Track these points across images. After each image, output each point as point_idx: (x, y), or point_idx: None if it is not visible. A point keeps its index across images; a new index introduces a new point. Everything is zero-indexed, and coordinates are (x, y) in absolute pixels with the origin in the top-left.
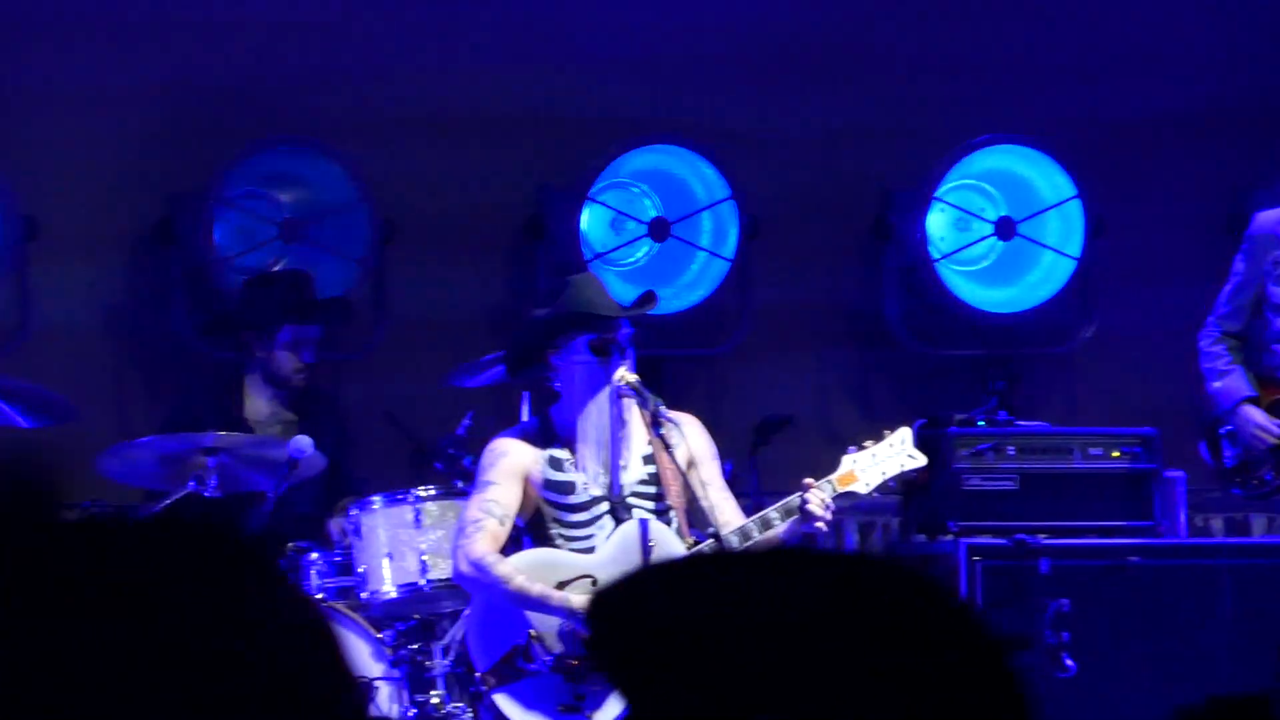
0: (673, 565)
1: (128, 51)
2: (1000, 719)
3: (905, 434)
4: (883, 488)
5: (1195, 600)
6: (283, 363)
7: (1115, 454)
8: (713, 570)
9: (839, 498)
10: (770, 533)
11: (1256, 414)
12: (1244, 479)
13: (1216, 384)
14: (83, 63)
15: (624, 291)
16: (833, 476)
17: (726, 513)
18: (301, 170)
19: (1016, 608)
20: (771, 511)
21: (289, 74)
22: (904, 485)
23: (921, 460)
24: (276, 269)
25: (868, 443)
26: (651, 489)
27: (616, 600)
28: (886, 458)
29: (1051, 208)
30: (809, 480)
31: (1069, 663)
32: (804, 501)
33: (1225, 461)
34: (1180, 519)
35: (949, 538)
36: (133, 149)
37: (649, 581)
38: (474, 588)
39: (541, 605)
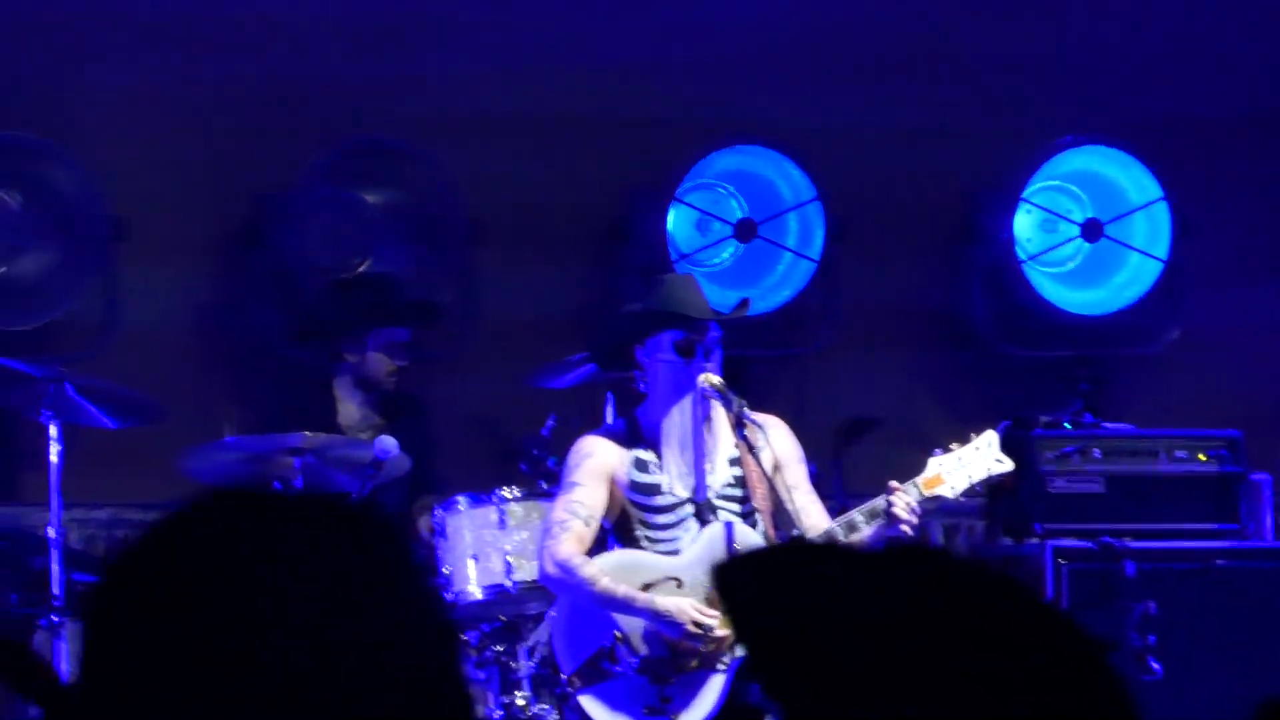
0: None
1: (216, 51)
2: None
3: (991, 437)
4: (969, 491)
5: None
6: (374, 365)
7: (1201, 456)
8: (813, 561)
9: (924, 501)
10: (855, 536)
11: None
12: None
13: None
14: (171, 62)
15: (714, 294)
16: (918, 479)
17: (813, 515)
18: (390, 171)
19: (1102, 610)
20: (857, 514)
21: (375, 74)
22: (989, 488)
23: (1009, 464)
24: (362, 271)
25: (954, 445)
26: (737, 492)
27: (740, 572)
28: (973, 461)
29: (1138, 209)
30: (894, 483)
31: (1155, 665)
32: (889, 505)
33: None
34: (1266, 521)
35: (1035, 540)
36: (220, 150)
37: (766, 562)
38: (560, 589)
39: (627, 607)
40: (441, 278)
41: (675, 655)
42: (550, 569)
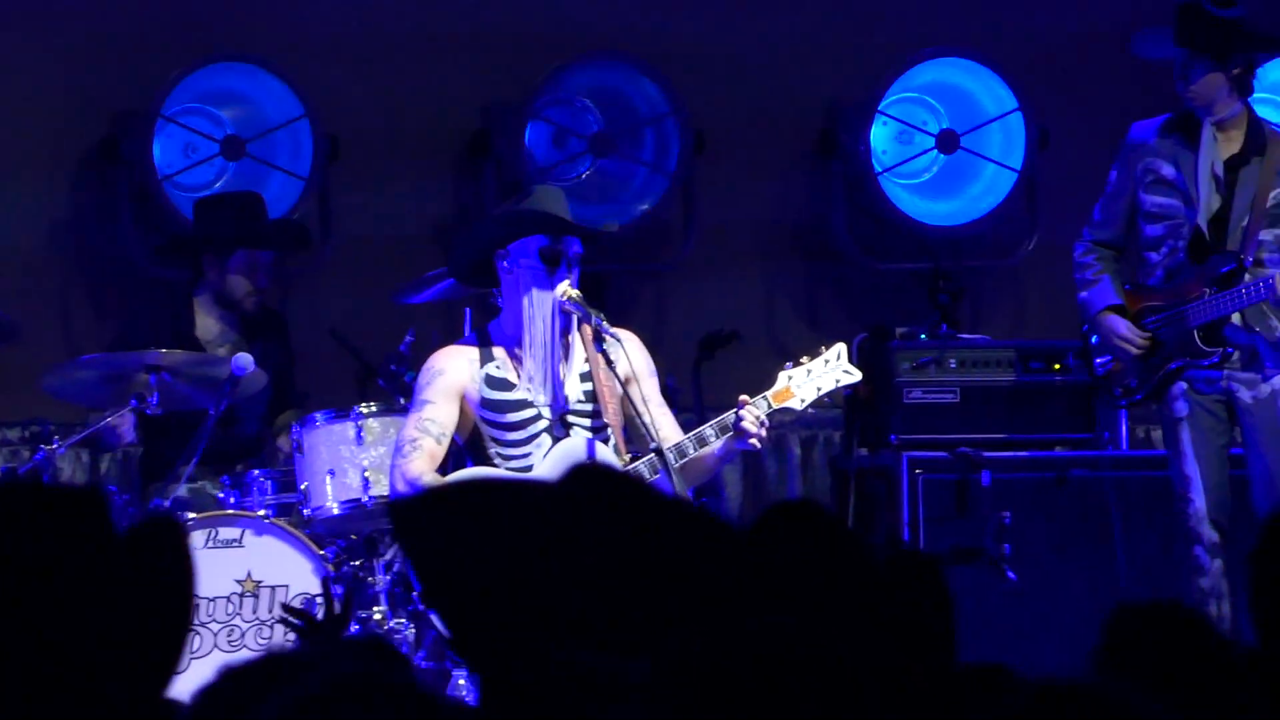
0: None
1: None
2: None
3: (841, 349)
4: (818, 403)
5: (1136, 513)
6: (235, 286)
7: (1057, 366)
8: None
9: (774, 413)
10: (706, 449)
11: (1120, 324)
12: (1110, 386)
13: (1083, 293)
14: None
15: (572, 208)
16: (768, 393)
17: (665, 429)
18: (244, 87)
19: (959, 520)
20: (707, 429)
21: None
22: (847, 399)
23: (856, 376)
24: (228, 190)
25: (804, 359)
26: (588, 407)
27: (412, 510)
28: (822, 373)
29: (993, 120)
30: (744, 397)
31: (1011, 574)
32: (739, 419)
33: (1096, 370)
34: (1122, 431)
35: (890, 451)
36: (76, 67)
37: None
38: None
39: None
40: (299, 193)
41: None
42: (401, 487)
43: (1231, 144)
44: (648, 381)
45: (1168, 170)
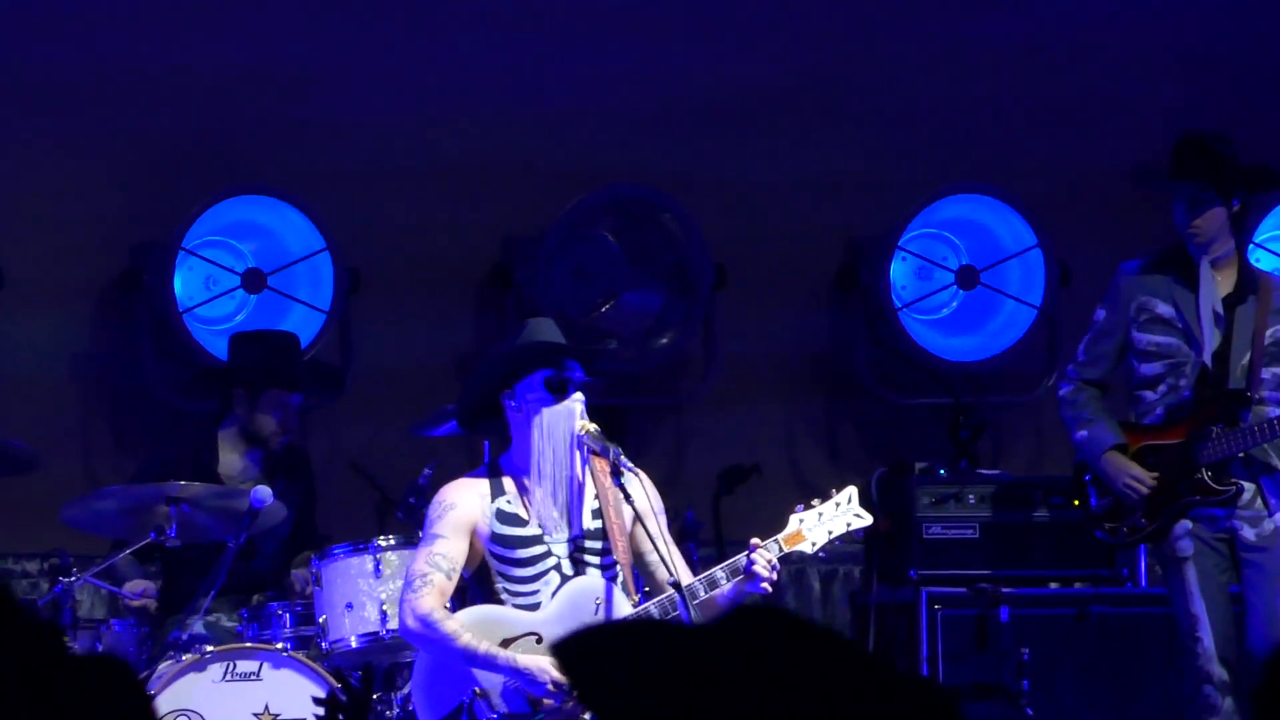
0: (616, 628)
1: (93, 101)
2: None
3: (852, 492)
4: (828, 547)
5: (1155, 649)
6: (264, 424)
7: (1077, 503)
8: (650, 637)
9: (785, 557)
10: (716, 591)
11: (1128, 465)
12: (1114, 526)
13: (1082, 432)
14: (48, 112)
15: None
16: (780, 536)
17: (679, 565)
18: (265, 220)
19: (977, 656)
20: (718, 571)
21: (254, 124)
22: (867, 535)
23: (868, 520)
24: (252, 324)
25: (815, 501)
26: (598, 544)
27: (586, 647)
28: (833, 517)
29: (1013, 257)
30: (756, 540)
31: (1029, 711)
32: (750, 562)
33: (1093, 508)
34: (1141, 568)
35: (910, 586)
36: (99, 198)
37: (614, 636)
38: (420, 643)
39: (489, 664)
40: (321, 326)
41: (536, 713)
42: (411, 623)
43: (1226, 282)
44: (659, 519)
45: (1164, 309)
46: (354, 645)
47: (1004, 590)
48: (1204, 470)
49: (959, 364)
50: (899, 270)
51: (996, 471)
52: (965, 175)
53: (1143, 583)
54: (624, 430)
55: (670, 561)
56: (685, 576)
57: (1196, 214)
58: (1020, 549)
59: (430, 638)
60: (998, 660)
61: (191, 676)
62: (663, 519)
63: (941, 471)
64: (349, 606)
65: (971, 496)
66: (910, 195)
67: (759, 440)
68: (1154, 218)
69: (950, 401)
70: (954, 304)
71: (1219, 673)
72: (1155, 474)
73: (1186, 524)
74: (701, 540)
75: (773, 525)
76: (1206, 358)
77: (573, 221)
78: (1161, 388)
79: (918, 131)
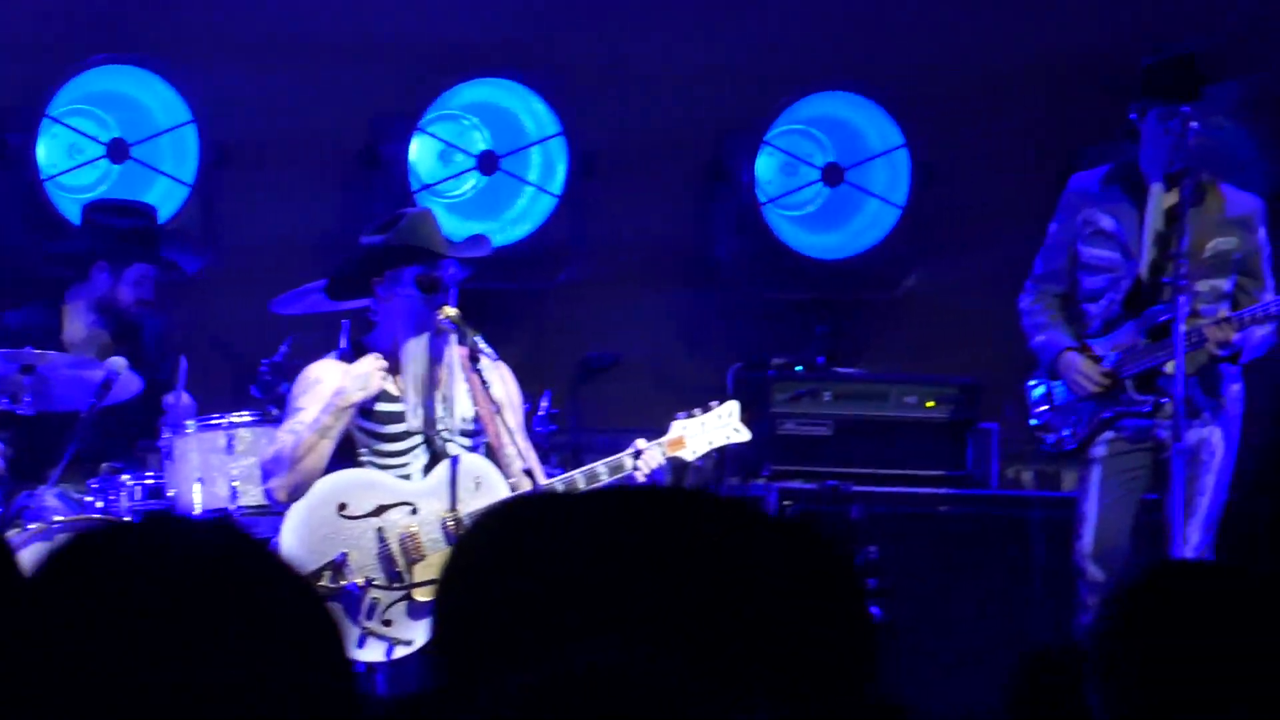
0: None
1: None
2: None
3: (733, 407)
4: (706, 456)
5: (1004, 550)
6: (124, 296)
7: (931, 403)
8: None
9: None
10: (595, 486)
11: (1081, 361)
12: (1056, 437)
13: (1039, 338)
14: None
15: (450, 225)
16: (663, 440)
17: (532, 459)
18: (132, 90)
19: None
20: (600, 466)
21: None
22: None
23: (747, 435)
24: (114, 195)
25: (697, 411)
26: (470, 426)
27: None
28: (714, 428)
29: (879, 155)
30: (641, 442)
31: (875, 610)
32: (635, 466)
33: (1033, 420)
34: (993, 470)
35: (762, 481)
36: None
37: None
38: (280, 472)
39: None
40: (184, 198)
41: (405, 582)
42: (267, 468)
43: (1171, 194)
44: (515, 412)
45: (1107, 222)
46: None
47: (856, 488)
48: (1128, 381)
49: (822, 261)
50: (765, 165)
51: (854, 370)
52: (835, 73)
53: (994, 484)
54: (485, 314)
55: (524, 453)
56: (537, 471)
57: (1188, 134)
58: (874, 448)
59: (281, 457)
60: None
61: (37, 546)
62: (519, 412)
63: (798, 368)
64: (200, 481)
65: (827, 394)
66: (779, 90)
67: (619, 330)
68: (1019, 120)
69: (810, 298)
70: (819, 201)
71: (1093, 571)
72: (1109, 372)
73: (1110, 433)
74: (561, 428)
75: (629, 416)
76: (1142, 271)
77: (440, 105)
78: (1103, 301)
79: (789, 27)
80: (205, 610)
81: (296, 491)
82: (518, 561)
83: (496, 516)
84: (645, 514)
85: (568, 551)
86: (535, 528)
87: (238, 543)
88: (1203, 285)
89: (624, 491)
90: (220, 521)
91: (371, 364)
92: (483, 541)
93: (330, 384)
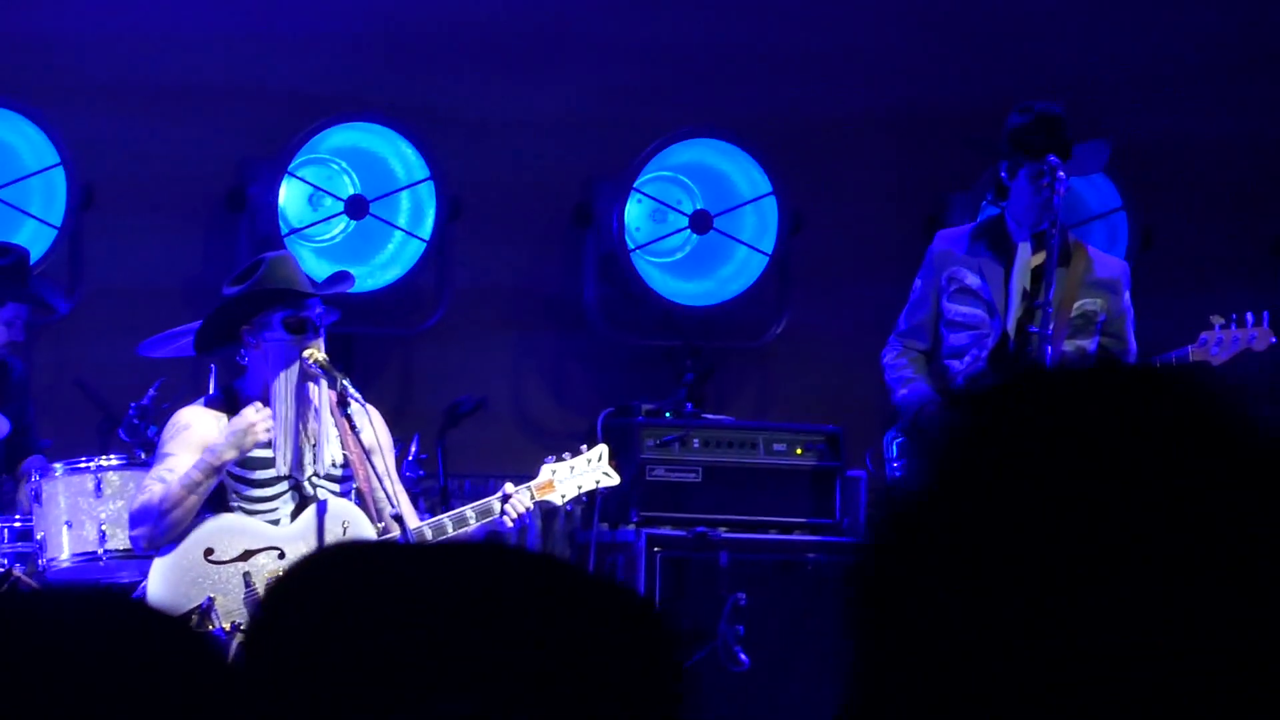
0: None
1: None
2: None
3: (603, 450)
4: (575, 500)
5: None
6: None
7: (799, 450)
8: (386, 561)
9: (534, 504)
10: (463, 530)
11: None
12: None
13: (902, 391)
14: None
15: (318, 269)
16: (532, 484)
17: (404, 502)
18: (1, 133)
19: (695, 600)
20: (468, 510)
21: None
22: None
23: (616, 479)
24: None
25: (566, 455)
26: (337, 471)
27: (295, 585)
28: (585, 472)
29: (747, 203)
30: (509, 486)
31: (743, 657)
32: (502, 511)
33: (889, 473)
34: (861, 517)
35: (631, 527)
36: None
37: (330, 565)
38: (147, 522)
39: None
40: (51, 240)
41: None
42: (134, 516)
43: (1037, 254)
44: (387, 455)
45: (973, 279)
46: (70, 565)
47: (724, 535)
48: None
49: (689, 308)
50: (634, 212)
51: (721, 416)
52: (702, 119)
53: (861, 532)
54: (352, 358)
55: (394, 497)
56: (410, 515)
57: (1057, 190)
58: (742, 495)
59: (150, 508)
60: (715, 605)
61: None
62: (390, 455)
63: (667, 415)
64: (68, 524)
65: (696, 440)
66: (648, 136)
67: (487, 375)
68: (888, 168)
69: (679, 344)
70: (687, 248)
71: None
72: None
73: None
74: (426, 474)
75: (497, 461)
76: (1009, 327)
77: (309, 149)
78: (967, 358)
79: (657, 73)
80: (84, 680)
81: (160, 542)
82: (321, 622)
83: (296, 576)
84: (454, 572)
85: (376, 611)
86: (340, 586)
87: (99, 602)
88: (1068, 345)
89: (435, 549)
90: (73, 587)
91: (251, 419)
92: (285, 602)
93: (200, 430)
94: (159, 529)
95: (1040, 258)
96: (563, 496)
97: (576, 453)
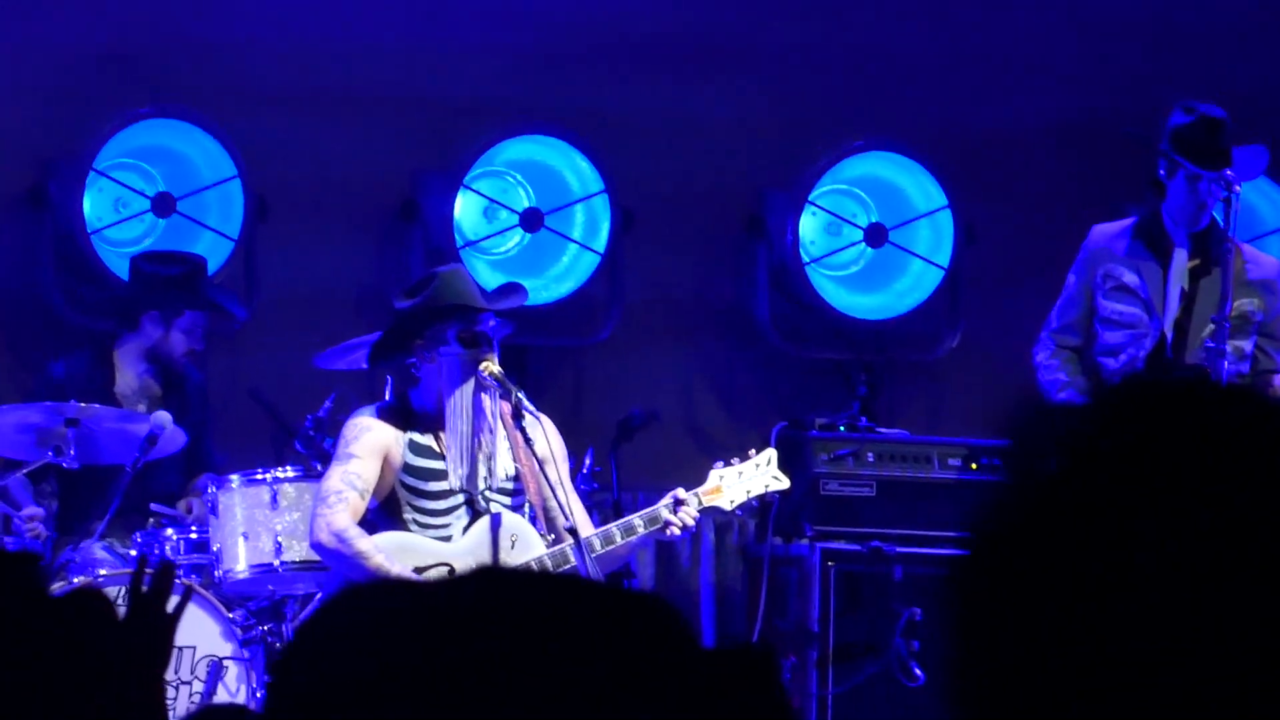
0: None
1: (2, 11)
2: None
3: (772, 455)
4: (744, 506)
5: None
6: (176, 345)
7: (974, 465)
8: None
9: (702, 511)
10: (631, 538)
11: None
12: None
13: (1063, 394)
14: None
15: (493, 282)
16: (700, 490)
17: (579, 513)
18: (178, 144)
19: (869, 614)
20: (636, 519)
21: (169, 44)
22: None
23: (785, 483)
24: (159, 247)
25: (734, 460)
26: (510, 485)
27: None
28: (753, 476)
29: (922, 216)
30: (679, 492)
31: (918, 672)
32: (668, 523)
33: None
34: None
35: (805, 541)
36: (6, 111)
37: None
38: (333, 560)
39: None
40: (228, 251)
41: None
42: (325, 538)
43: (1196, 253)
44: (560, 466)
45: (1130, 278)
46: (247, 575)
47: (899, 549)
48: None
49: (863, 321)
50: (808, 224)
51: (895, 430)
52: (874, 128)
53: None
54: (525, 370)
55: (568, 509)
56: (585, 526)
57: (1215, 197)
58: (916, 509)
59: (343, 554)
60: (889, 620)
61: None
62: (565, 466)
63: (841, 428)
64: (245, 536)
65: (870, 454)
66: (821, 147)
67: (658, 387)
68: (1062, 180)
69: (851, 358)
70: (861, 261)
71: None
72: None
73: None
74: (599, 486)
75: (668, 473)
76: (1167, 328)
77: (484, 161)
78: (1123, 356)
79: (828, 81)
80: None
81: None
82: (347, 658)
83: (323, 617)
84: (480, 603)
85: (400, 643)
86: (366, 622)
87: None
88: (1228, 345)
89: (458, 580)
90: None
91: None
92: (306, 646)
93: (381, 434)
94: (339, 566)
95: (1197, 259)
96: (731, 501)
97: (745, 458)
